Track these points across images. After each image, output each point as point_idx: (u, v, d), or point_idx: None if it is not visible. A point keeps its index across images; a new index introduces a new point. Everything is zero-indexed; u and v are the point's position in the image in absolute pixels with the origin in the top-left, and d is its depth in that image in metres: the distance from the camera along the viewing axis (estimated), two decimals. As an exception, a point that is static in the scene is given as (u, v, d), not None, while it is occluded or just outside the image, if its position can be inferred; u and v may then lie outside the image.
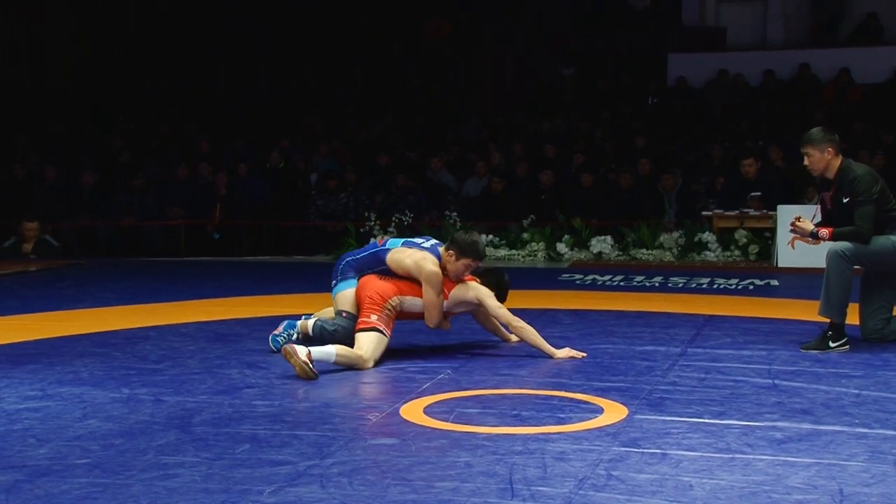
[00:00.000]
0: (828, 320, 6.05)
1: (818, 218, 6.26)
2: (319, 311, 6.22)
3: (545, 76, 17.44)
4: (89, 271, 10.98)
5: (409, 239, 6.08)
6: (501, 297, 5.97)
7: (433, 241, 6.02)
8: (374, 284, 5.72)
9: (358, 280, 5.83)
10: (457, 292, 5.81)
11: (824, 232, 6.03)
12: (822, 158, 6.02)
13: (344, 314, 5.82)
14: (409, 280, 5.77)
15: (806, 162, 6.08)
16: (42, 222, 12.20)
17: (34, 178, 14.11)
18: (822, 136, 6.04)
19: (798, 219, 6.22)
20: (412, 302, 5.75)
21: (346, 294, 5.83)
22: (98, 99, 17.55)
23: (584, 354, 5.83)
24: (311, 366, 5.23)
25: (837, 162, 6.05)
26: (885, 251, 6.00)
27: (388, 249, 5.90)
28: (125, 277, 10.43)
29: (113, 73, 18.53)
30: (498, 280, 6.05)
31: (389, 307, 5.67)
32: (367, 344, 5.54)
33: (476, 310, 6.01)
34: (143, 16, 19.48)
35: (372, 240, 6.33)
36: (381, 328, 5.61)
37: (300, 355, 5.23)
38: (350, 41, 18.30)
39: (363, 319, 5.63)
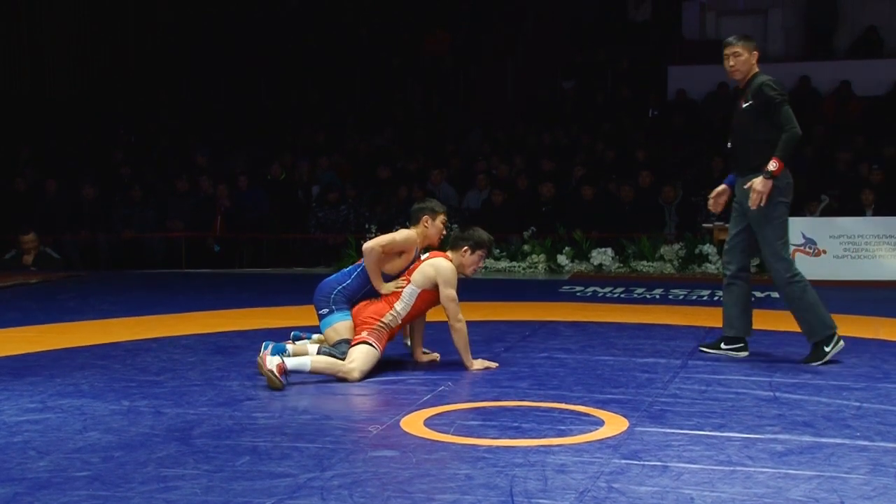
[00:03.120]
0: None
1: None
2: (299, 333, 6.18)
3: (545, 89, 17.47)
4: (90, 283, 10.98)
5: None
6: (489, 252, 6.11)
7: None
8: (367, 309, 5.80)
9: (351, 310, 5.85)
10: (426, 268, 5.82)
11: (772, 165, 5.77)
12: (748, 60, 5.94)
13: (348, 342, 5.75)
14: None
15: (732, 63, 5.93)
16: (41, 234, 12.20)
17: (35, 191, 14.12)
18: (748, 37, 5.96)
19: (749, 186, 5.86)
20: (410, 292, 5.79)
21: (345, 324, 5.78)
22: (99, 112, 17.58)
23: (497, 365, 5.87)
24: (277, 375, 5.30)
25: (754, 69, 6.00)
26: (783, 228, 5.94)
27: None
28: (126, 289, 10.43)
29: (114, 86, 18.58)
30: (481, 236, 5.92)
31: (382, 324, 5.74)
32: (357, 354, 5.60)
33: (429, 297, 5.90)
34: (144, 29, 19.54)
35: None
36: (372, 342, 5.66)
37: (268, 364, 5.32)
38: (350, 54, 18.34)
39: (356, 337, 5.72)
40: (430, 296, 5.82)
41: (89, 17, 18.60)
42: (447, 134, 16.39)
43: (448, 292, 5.76)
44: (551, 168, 14.07)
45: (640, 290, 9.96)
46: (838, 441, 4.27)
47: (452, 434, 4.40)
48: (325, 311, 5.87)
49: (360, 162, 15.36)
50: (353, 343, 5.67)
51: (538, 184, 13.40)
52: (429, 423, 4.60)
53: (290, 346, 5.88)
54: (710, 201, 6.21)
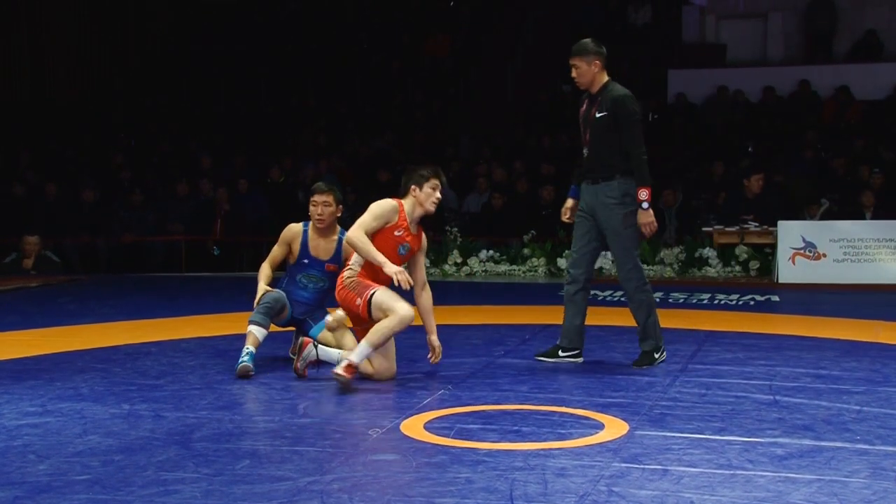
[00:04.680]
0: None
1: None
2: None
3: (545, 92, 17.47)
4: (90, 287, 10.98)
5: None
6: (436, 176, 5.80)
7: None
8: (339, 293, 5.70)
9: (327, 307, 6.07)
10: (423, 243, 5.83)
11: (643, 195, 5.86)
12: (589, 71, 5.94)
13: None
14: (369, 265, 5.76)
15: (573, 74, 5.97)
16: (43, 238, 12.21)
17: (35, 195, 14.12)
18: (591, 48, 5.96)
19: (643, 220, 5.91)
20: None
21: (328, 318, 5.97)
22: (99, 115, 17.59)
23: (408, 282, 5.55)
24: (348, 375, 5.33)
25: (603, 77, 5.99)
26: (636, 236, 6.00)
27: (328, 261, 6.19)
28: (126, 293, 10.43)
29: (113, 89, 18.59)
30: (421, 170, 5.80)
31: (351, 281, 5.63)
32: (379, 305, 5.45)
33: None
34: (144, 32, 19.56)
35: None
36: (370, 292, 5.52)
37: (340, 370, 5.33)
38: (350, 58, 18.35)
39: (363, 295, 5.54)
40: (376, 238, 5.59)
41: (89, 20, 18.63)
42: (447, 137, 16.39)
43: (359, 219, 5.59)
44: (551, 171, 14.07)
45: (640, 294, 9.94)
46: (838, 445, 4.26)
47: (452, 437, 4.40)
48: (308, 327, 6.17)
49: (360, 165, 15.36)
50: (365, 299, 5.51)
51: (538, 187, 13.39)
52: (429, 426, 4.60)
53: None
54: (564, 216, 6.22)
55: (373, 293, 5.48)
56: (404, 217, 5.68)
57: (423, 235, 5.83)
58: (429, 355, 5.85)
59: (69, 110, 17.73)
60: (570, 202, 6.24)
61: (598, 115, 5.93)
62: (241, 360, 5.77)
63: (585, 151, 6.03)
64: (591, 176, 6.01)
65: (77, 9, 18.42)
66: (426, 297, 5.80)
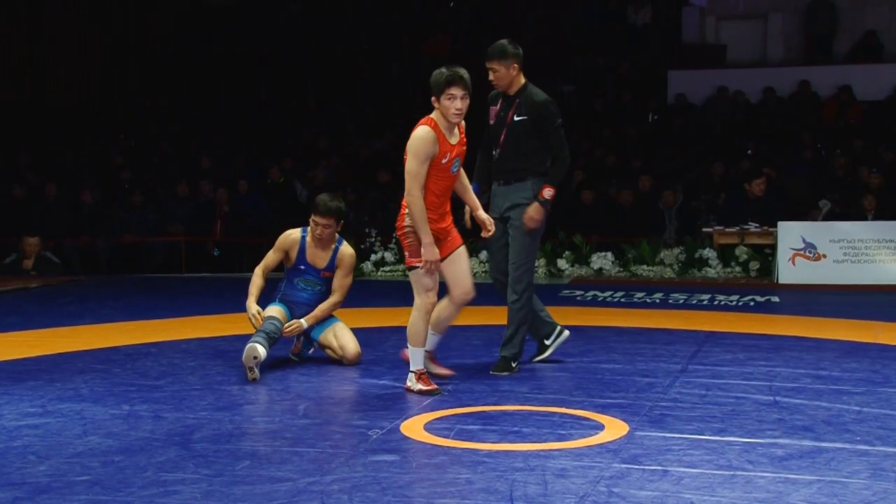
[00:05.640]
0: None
1: None
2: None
3: (546, 93, 17.45)
4: (90, 288, 10.98)
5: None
6: (456, 80, 5.39)
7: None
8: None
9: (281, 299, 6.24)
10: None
11: (548, 193, 5.85)
12: (508, 74, 5.89)
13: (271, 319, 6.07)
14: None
15: (491, 77, 5.91)
16: (43, 238, 12.21)
17: (35, 196, 14.12)
18: (510, 51, 5.89)
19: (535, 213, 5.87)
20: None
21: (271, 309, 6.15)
22: (99, 116, 17.59)
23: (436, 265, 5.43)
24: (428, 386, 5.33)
25: (521, 80, 5.95)
26: (538, 241, 6.02)
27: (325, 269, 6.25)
28: (126, 294, 10.43)
29: (113, 90, 18.59)
30: (437, 76, 5.47)
31: (409, 228, 5.36)
32: (416, 280, 5.34)
33: None
34: (144, 34, 19.55)
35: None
36: (413, 265, 5.34)
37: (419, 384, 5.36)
38: (351, 58, 18.34)
39: (408, 260, 5.38)
40: (429, 178, 5.29)
41: (89, 22, 18.61)
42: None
43: (407, 165, 5.26)
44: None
45: (640, 295, 9.95)
46: (839, 445, 4.26)
47: (452, 438, 4.40)
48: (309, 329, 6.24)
49: (359, 165, 15.35)
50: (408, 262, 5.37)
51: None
52: (429, 427, 4.60)
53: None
54: (467, 218, 6.11)
55: (413, 267, 5.31)
56: (444, 139, 5.30)
57: (462, 132, 5.46)
58: (482, 232, 5.67)
59: (69, 111, 17.73)
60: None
61: (516, 119, 5.90)
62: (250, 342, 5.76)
63: (497, 153, 5.96)
64: (503, 177, 5.96)
65: (77, 10, 18.42)
66: (462, 178, 5.58)
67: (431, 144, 5.25)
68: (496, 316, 8.23)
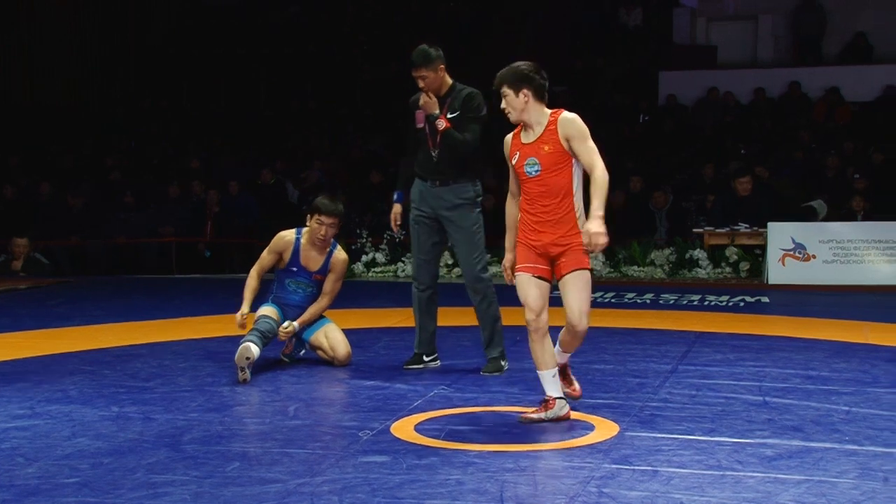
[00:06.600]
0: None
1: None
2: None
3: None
4: (80, 289, 10.95)
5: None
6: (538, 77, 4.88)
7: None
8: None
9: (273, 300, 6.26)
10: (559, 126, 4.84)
11: (442, 122, 5.83)
12: (437, 77, 5.89)
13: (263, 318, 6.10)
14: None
15: (421, 84, 5.88)
16: (33, 240, 12.18)
17: (26, 197, 14.09)
18: (434, 54, 5.87)
19: (428, 98, 5.85)
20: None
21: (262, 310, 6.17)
22: (94, 118, 17.55)
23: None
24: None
25: (448, 80, 5.96)
26: (482, 235, 6.01)
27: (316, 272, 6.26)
28: (116, 295, 10.40)
29: (111, 92, 18.55)
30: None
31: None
32: (520, 288, 4.82)
33: None
34: (143, 36, 19.52)
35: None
36: (518, 269, 4.84)
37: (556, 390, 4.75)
38: (350, 59, 18.34)
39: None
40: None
41: (87, 23, 18.57)
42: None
43: (589, 144, 4.71)
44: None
45: (630, 295, 9.96)
46: (827, 445, 4.27)
47: (443, 439, 4.40)
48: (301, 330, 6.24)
49: (353, 167, 15.34)
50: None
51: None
52: (419, 428, 4.60)
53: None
54: (394, 224, 6.18)
55: (517, 276, 4.80)
56: (518, 137, 4.85)
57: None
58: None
59: (62, 111, 17.69)
60: (398, 207, 6.19)
61: (450, 116, 5.90)
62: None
63: (435, 154, 5.94)
64: (439, 178, 5.95)
65: (74, 12, 18.37)
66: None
67: (506, 146, 4.93)
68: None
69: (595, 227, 4.50)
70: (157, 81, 18.67)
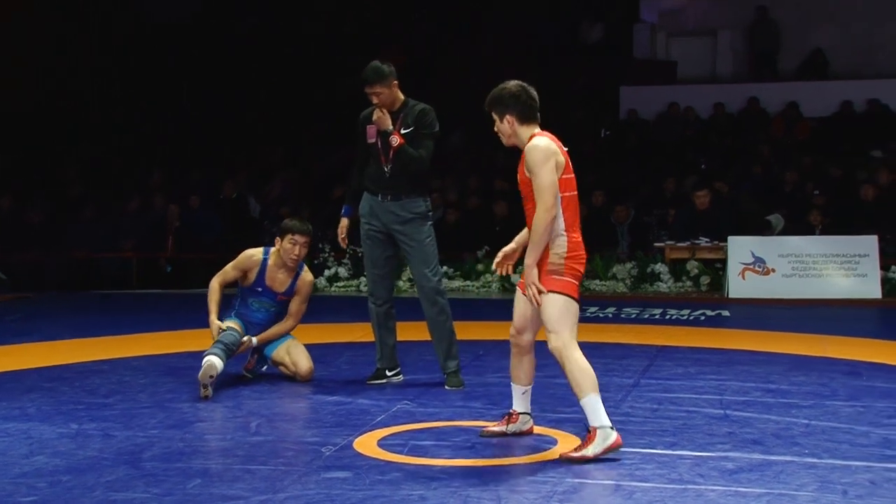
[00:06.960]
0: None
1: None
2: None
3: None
4: (38, 305, 10.82)
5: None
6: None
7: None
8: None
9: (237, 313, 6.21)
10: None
11: (396, 139, 5.86)
12: (391, 93, 5.94)
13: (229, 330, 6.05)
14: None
15: (375, 101, 5.92)
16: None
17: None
18: (387, 71, 5.91)
19: (382, 113, 5.88)
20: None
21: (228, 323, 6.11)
22: (51, 129, 17.35)
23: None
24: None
25: (401, 95, 6.02)
26: (435, 247, 6.05)
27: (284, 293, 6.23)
28: (75, 311, 10.29)
29: (69, 104, 18.36)
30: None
31: (554, 264, 4.62)
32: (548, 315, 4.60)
33: None
34: (100, 47, 19.35)
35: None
36: (557, 290, 4.58)
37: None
38: (306, 72, 18.30)
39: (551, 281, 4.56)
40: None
41: (42, 37, 18.38)
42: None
43: (538, 181, 4.52)
44: (504, 187, 14.12)
45: (592, 309, 10.00)
46: (787, 458, 4.31)
47: (406, 455, 4.39)
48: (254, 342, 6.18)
49: (314, 181, 15.30)
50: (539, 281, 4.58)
51: (492, 203, 13.44)
52: (382, 443, 4.59)
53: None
54: (341, 239, 6.22)
55: (561, 296, 4.53)
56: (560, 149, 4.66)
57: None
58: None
59: (20, 122, 17.47)
60: (345, 221, 6.22)
61: (403, 132, 5.94)
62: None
63: (388, 169, 5.96)
64: (391, 192, 5.97)
65: (31, 20, 18.18)
66: None
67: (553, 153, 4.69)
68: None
69: (527, 275, 4.56)
70: (111, 94, 18.50)
